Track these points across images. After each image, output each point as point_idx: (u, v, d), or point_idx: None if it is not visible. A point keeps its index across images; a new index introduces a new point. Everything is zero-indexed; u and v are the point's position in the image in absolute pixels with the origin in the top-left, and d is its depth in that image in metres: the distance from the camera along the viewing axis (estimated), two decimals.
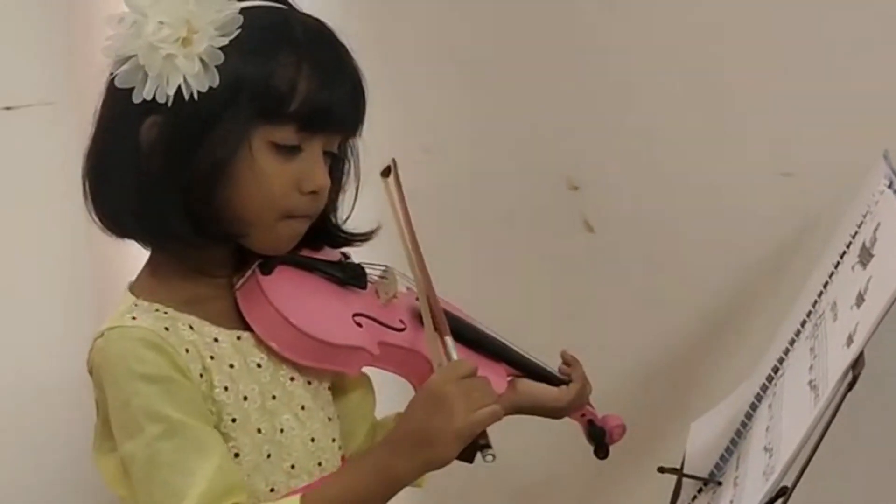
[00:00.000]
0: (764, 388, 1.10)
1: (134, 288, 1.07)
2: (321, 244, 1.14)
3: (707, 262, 1.55)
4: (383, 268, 1.19)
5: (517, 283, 1.79)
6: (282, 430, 1.07)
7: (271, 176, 1.02)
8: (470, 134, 1.81)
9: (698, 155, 1.54)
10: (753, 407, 1.10)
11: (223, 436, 1.02)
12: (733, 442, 1.10)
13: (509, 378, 1.27)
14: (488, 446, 1.02)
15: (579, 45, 1.64)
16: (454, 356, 1.09)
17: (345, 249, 1.20)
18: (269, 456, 1.06)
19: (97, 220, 1.05)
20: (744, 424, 1.10)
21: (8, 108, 2.36)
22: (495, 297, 1.79)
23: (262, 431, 1.05)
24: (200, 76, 0.97)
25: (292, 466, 1.07)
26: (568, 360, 1.32)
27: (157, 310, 1.03)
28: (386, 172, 1.22)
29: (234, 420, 1.03)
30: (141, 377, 0.97)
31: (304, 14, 1.07)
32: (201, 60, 0.97)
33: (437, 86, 1.83)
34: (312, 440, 1.09)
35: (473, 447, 1.02)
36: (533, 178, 1.73)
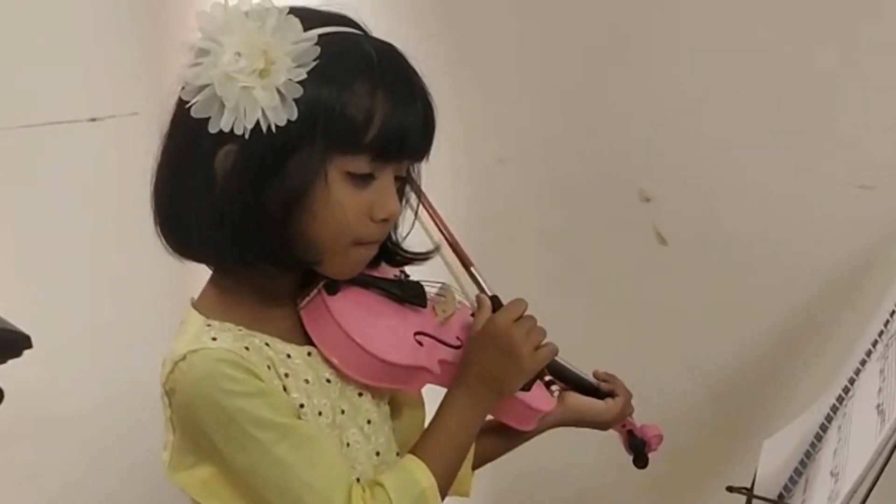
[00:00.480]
0: (834, 409, 1.08)
1: (201, 307, 1.07)
2: (379, 261, 1.15)
3: (781, 276, 1.53)
4: (440, 285, 1.19)
5: (588, 293, 1.78)
6: (348, 444, 1.07)
7: (346, 205, 1.01)
8: (542, 145, 1.81)
9: (774, 168, 1.52)
10: (823, 428, 1.07)
11: None
12: (802, 463, 1.08)
13: (558, 392, 1.27)
14: (553, 382, 1.15)
15: (652, 56, 1.62)
16: (487, 288, 1.14)
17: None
18: None
19: (166, 242, 1.05)
20: (813, 446, 1.07)
21: (93, 120, 2.44)
22: (566, 308, 1.79)
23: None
24: (278, 109, 0.96)
25: (357, 480, 1.08)
26: (604, 378, 1.32)
27: (229, 329, 1.03)
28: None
29: None
30: (238, 394, 0.98)
31: (375, 39, 1.05)
32: (279, 93, 0.97)
33: (510, 97, 1.83)
34: (377, 454, 1.10)
35: (533, 380, 1.12)
36: (605, 190, 1.72)
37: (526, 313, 1.11)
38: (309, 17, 1.00)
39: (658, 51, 1.63)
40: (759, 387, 1.58)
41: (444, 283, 1.18)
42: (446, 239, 1.16)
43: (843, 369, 1.15)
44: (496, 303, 1.13)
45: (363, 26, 1.06)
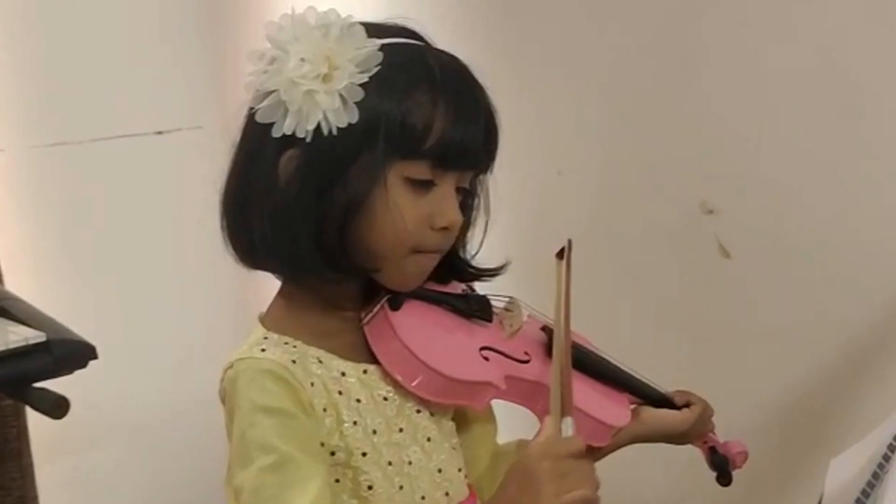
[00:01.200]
0: None
1: (264, 320, 1.08)
2: (449, 279, 1.15)
3: (848, 291, 1.49)
4: (507, 299, 1.18)
5: (650, 307, 1.76)
6: (410, 463, 1.07)
7: (405, 211, 1.01)
8: (603, 156, 1.80)
9: (838, 177, 1.49)
10: (892, 448, 1.04)
11: (354, 469, 1.04)
12: (870, 484, 1.05)
13: (632, 406, 1.25)
14: None
15: (713, 65, 1.60)
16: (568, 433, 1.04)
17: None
18: (401, 488, 1.06)
19: (232, 250, 1.07)
20: (881, 466, 1.04)
21: (159, 133, 2.48)
22: (627, 321, 1.77)
23: (393, 464, 1.06)
24: (340, 112, 0.98)
25: (423, 497, 1.08)
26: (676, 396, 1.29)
27: (286, 343, 1.04)
28: (560, 254, 1.18)
29: (364, 454, 1.04)
30: (261, 409, 0.99)
31: (439, 50, 1.07)
32: (341, 97, 0.98)
33: (570, 108, 1.82)
34: (439, 471, 1.09)
35: None
36: (666, 202, 1.70)
37: (577, 453, 1.00)
38: (373, 28, 1.03)
39: (719, 59, 1.61)
40: (826, 404, 1.55)
41: (511, 297, 1.17)
42: (561, 378, 1.07)
43: None
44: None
45: (427, 38, 1.08)
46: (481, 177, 1.10)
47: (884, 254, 1.46)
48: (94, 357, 1.92)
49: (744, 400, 1.58)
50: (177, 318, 2.35)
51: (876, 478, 1.04)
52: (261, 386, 0.99)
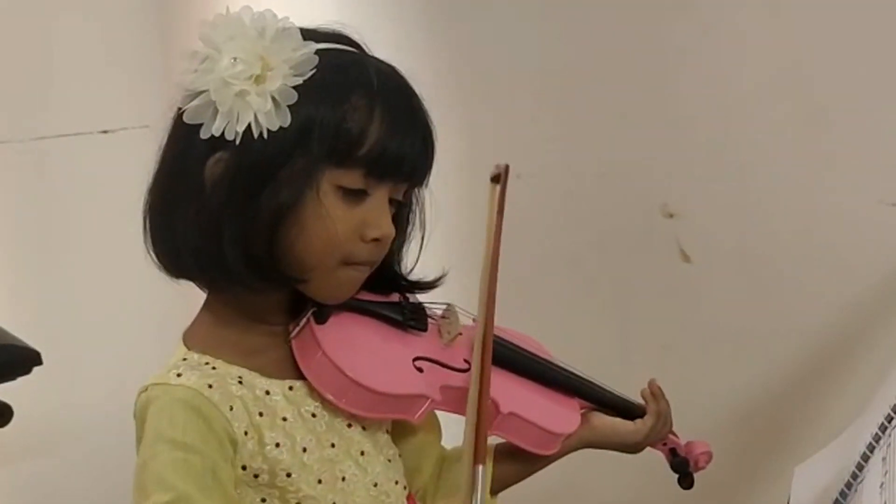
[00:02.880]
0: (877, 438, 1.03)
1: (187, 337, 1.04)
2: (384, 291, 1.11)
3: (810, 295, 1.49)
4: (445, 306, 1.15)
5: (609, 312, 1.75)
6: (344, 479, 1.04)
7: (336, 220, 0.99)
8: (562, 159, 1.78)
9: (800, 183, 1.49)
10: (865, 458, 1.03)
11: (281, 489, 1.01)
12: (843, 494, 1.04)
13: (583, 411, 1.22)
14: None
15: (675, 68, 1.60)
16: (479, 491, 1.00)
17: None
18: None
19: (154, 257, 1.03)
20: (854, 476, 1.03)
21: (104, 132, 2.42)
22: (587, 326, 1.76)
23: (323, 482, 1.02)
24: (272, 115, 0.96)
25: None
26: (654, 390, 1.27)
27: (206, 363, 1.01)
28: (496, 179, 1.15)
29: (289, 475, 1.01)
30: (166, 440, 0.96)
31: (376, 59, 1.05)
32: (273, 99, 0.96)
33: (529, 111, 1.80)
34: (375, 485, 1.06)
35: None
36: (627, 205, 1.69)
37: None
38: (311, 33, 1.01)
39: (681, 63, 1.60)
40: (789, 410, 1.54)
41: (449, 304, 1.15)
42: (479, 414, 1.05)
43: (880, 393, 1.11)
44: None
45: (364, 46, 1.06)
46: (416, 190, 1.08)
47: (844, 258, 1.47)
48: (39, 363, 1.87)
49: (705, 405, 1.57)
50: (123, 322, 2.30)
51: (850, 487, 1.03)
52: (169, 416, 0.96)
